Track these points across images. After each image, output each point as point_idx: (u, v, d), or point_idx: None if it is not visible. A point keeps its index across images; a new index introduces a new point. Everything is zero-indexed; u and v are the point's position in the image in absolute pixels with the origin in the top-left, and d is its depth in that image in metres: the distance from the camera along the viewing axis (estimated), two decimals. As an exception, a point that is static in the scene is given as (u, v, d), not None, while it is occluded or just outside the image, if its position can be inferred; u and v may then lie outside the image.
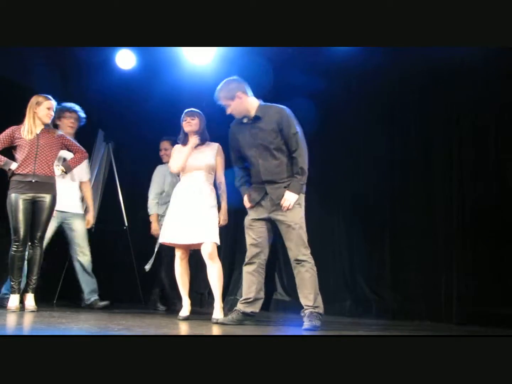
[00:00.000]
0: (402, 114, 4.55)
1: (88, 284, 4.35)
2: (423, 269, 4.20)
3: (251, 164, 3.44)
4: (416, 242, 4.28)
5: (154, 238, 4.37)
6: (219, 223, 3.68)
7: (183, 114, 3.78)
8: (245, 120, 3.41)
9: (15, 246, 3.74)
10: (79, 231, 4.41)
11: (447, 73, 4.20)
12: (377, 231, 4.58)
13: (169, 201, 4.22)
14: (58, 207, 4.08)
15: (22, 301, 3.77)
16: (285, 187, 3.31)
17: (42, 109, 3.93)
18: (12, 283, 3.76)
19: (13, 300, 3.72)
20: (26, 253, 3.80)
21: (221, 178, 3.79)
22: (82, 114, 4.52)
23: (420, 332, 3.21)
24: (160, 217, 4.52)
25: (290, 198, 3.28)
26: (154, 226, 4.54)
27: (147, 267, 4.29)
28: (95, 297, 4.32)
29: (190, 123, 3.74)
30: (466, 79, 4.07)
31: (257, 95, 3.58)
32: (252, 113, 3.37)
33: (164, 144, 4.72)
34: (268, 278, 4.94)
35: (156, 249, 4.11)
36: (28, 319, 3.24)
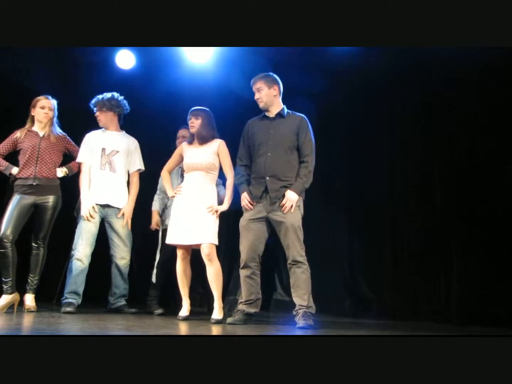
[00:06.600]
0: (402, 114, 4.54)
1: (119, 289, 4.10)
2: (423, 269, 4.20)
3: (258, 157, 3.44)
4: (416, 242, 4.27)
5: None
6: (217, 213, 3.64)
7: (189, 112, 3.76)
8: (267, 113, 3.52)
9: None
10: (120, 232, 4.04)
11: (447, 73, 4.19)
12: (377, 231, 4.57)
13: (164, 197, 4.37)
14: (97, 200, 3.95)
15: (21, 302, 3.76)
16: (285, 186, 3.32)
17: (37, 110, 3.94)
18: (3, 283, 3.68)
19: (1, 300, 3.62)
20: (11, 253, 3.67)
21: (228, 174, 3.67)
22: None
23: (420, 332, 3.20)
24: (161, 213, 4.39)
25: (291, 198, 3.30)
26: (153, 220, 4.34)
27: (154, 279, 4.28)
28: (122, 302, 4.10)
29: (193, 124, 3.72)
30: (466, 78, 4.06)
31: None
32: (275, 110, 3.49)
33: (182, 132, 4.35)
34: (268, 278, 4.97)
35: (157, 259, 4.21)
36: (28, 319, 3.24)
